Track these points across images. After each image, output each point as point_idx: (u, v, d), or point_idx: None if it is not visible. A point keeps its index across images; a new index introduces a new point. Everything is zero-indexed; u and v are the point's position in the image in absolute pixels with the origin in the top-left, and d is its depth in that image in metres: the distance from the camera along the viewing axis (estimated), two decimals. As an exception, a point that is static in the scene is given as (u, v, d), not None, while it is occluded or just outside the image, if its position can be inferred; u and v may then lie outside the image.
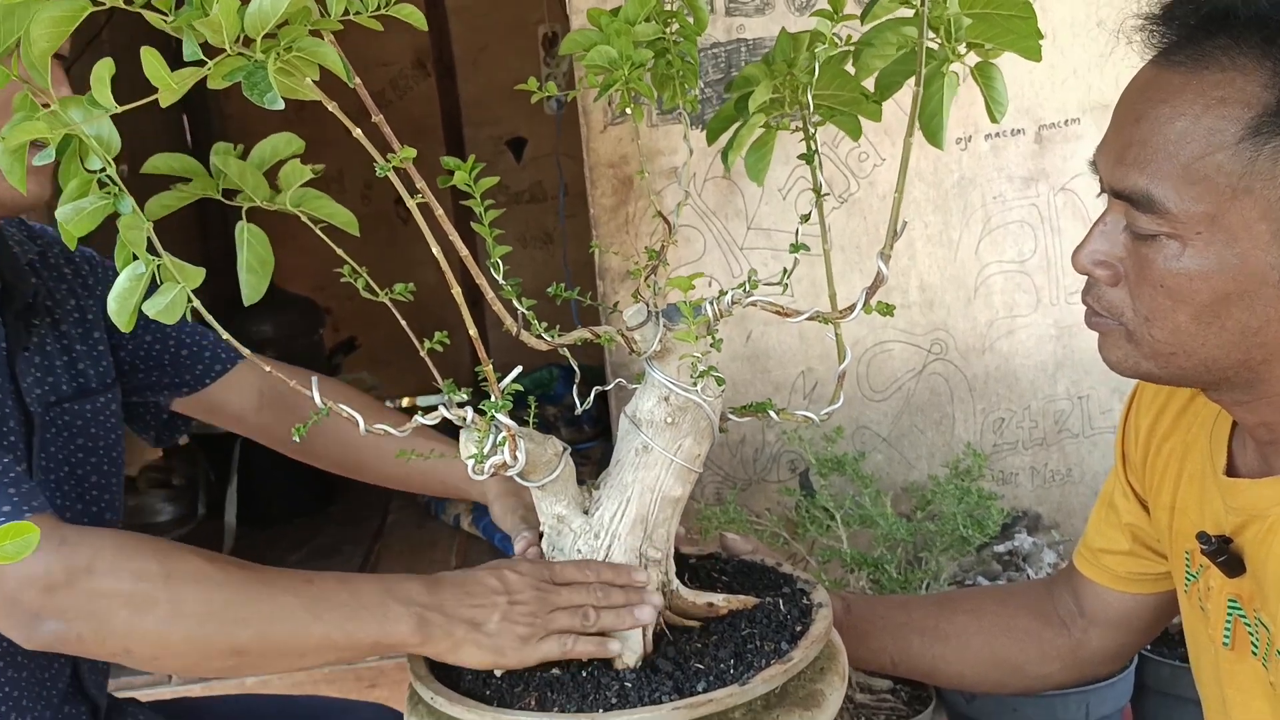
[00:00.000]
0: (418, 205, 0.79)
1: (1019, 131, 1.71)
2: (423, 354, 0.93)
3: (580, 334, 0.97)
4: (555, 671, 0.94)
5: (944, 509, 1.53)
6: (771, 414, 1.05)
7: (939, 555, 1.53)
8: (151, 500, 3.03)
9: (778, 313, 0.99)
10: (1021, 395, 1.78)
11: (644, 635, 0.96)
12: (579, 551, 0.99)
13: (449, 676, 0.98)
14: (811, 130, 1.00)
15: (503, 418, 0.85)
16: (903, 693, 1.54)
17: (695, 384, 0.98)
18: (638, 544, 0.99)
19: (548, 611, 0.93)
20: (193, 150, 0.87)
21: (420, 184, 0.80)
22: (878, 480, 1.61)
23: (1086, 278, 0.87)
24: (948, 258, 1.74)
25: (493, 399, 0.85)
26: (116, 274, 0.79)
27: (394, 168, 0.78)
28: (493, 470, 0.89)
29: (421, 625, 0.92)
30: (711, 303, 0.99)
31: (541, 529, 1.02)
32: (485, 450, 0.88)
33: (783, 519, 1.73)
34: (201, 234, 3.58)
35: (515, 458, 0.93)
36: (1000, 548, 1.58)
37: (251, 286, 0.90)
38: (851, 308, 0.98)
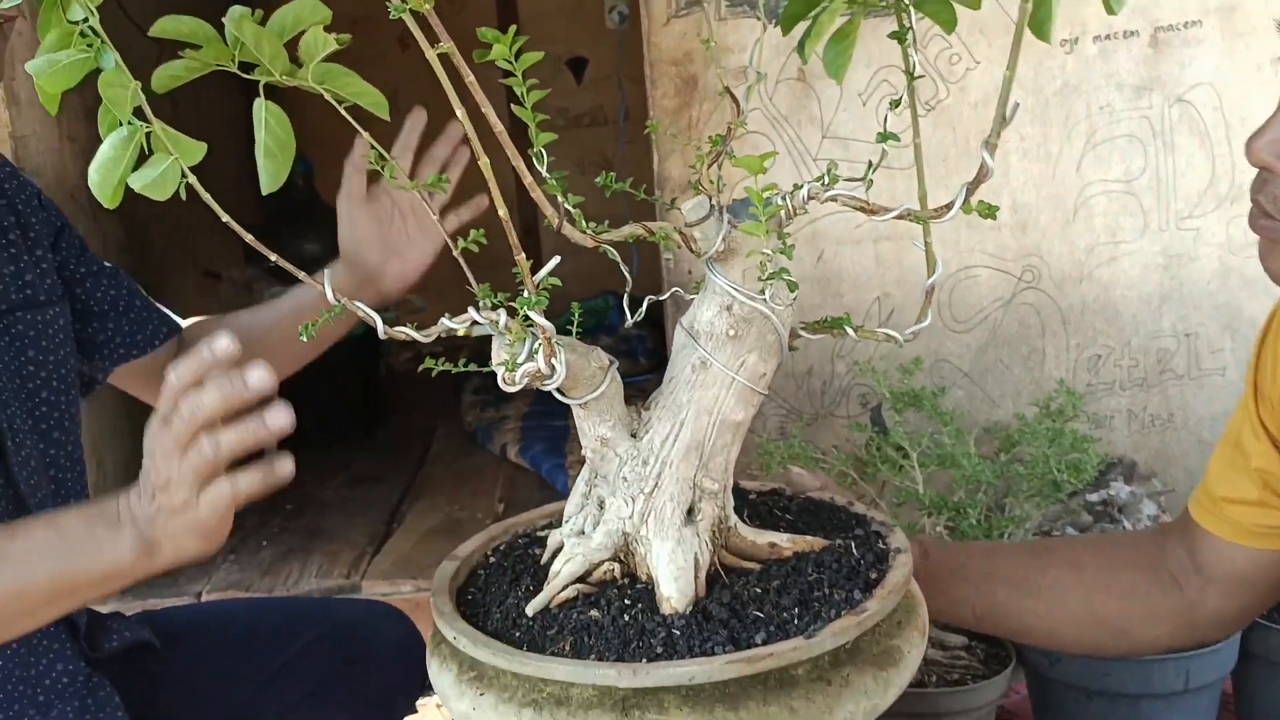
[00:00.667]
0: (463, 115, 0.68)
1: (1132, 34, 1.54)
2: (456, 254, 0.83)
3: (632, 229, 0.85)
4: (594, 614, 0.83)
5: (1033, 452, 1.40)
6: (848, 332, 0.92)
7: (1025, 502, 1.40)
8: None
9: (861, 209, 0.86)
10: (1121, 330, 1.63)
11: (695, 576, 0.86)
12: (624, 479, 0.88)
13: (475, 615, 0.88)
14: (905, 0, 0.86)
15: (538, 317, 0.74)
16: (979, 650, 1.43)
17: (762, 291, 0.86)
18: (692, 473, 0.88)
19: (181, 465, 0.84)
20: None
21: (475, 87, 0.69)
22: (958, 418, 1.48)
23: (1257, 174, 0.74)
24: (1045, 174, 1.59)
25: (526, 295, 0.73)
26: (56, 207, 0.70)
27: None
28: (525, 379, 0.78)
29: (141, 539, 0.86)
30: (785, 196, 0.86)
31: (584, 453, 0.92)
32: (519, 357, 0.77)
33: (851, 457, 1.61)
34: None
35: (552, 366, 0.82)
36: (1093, 496, 1.44)
37: (270, 173, 0.81)
38: (948, 206, 0.84)
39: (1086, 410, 1.62)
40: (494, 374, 0.85)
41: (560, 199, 0.82)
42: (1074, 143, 1.57)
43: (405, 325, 0.85)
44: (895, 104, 0.87)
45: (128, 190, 0.79)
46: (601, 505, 0.91)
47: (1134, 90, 1.56)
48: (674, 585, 0.84)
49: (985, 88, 1.56)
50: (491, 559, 0.99)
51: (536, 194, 0.79)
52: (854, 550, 0.91)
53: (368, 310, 0.82)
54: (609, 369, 0.88)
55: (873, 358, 1.61)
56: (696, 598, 0.85)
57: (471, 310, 0.82)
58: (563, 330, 0.85)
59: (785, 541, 0.92)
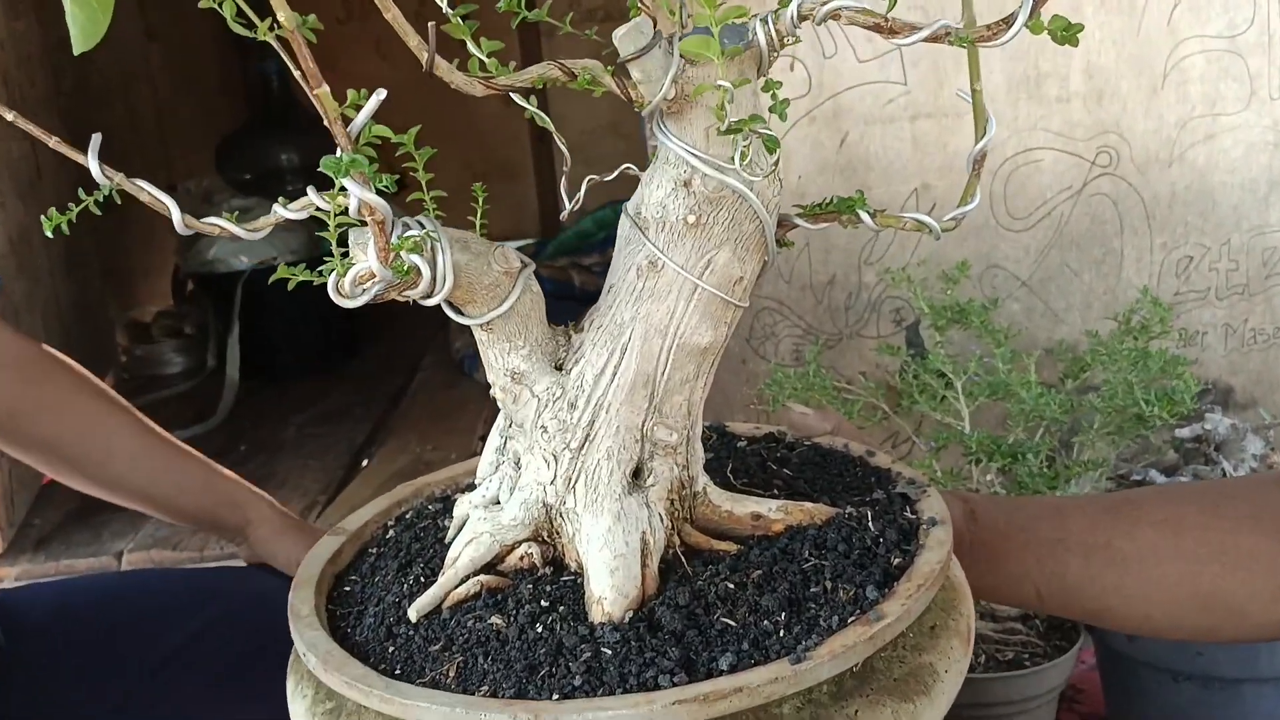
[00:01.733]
0: None
1: None
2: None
3: (543, 69, 0.61)
4: (496, 621, 0.61)
5: (1109, 378, 1.15)
6: (863, 219, 0.68)
7: (1098, 440, 1.15)
8: (162, 350, 2.82)
9: (877, 28, 0.60)
10: (1220, 225, 1.36)
11: (642, 566, 0.63)
12: (543, 430, 0.65)
13: (348, 616, 0.67)
14: None
15: (367, 195, 0.50)
16: (1038, 623, 1.20)
17: (734, 157, 0.61)
18: (638, 419, 0.65)
19: None
20: None
21: None
22: (1014, 338, 1.23)
23: None
24: (1127, 30, 1.31)
25: (340, 154, 0.49)
26: None
27: None
28: (367, 289, 0.54)
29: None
30: (765, 20, 0.61)
31: (492, 393, 0.68)
32: (383, 258, 0.53)
33: (882, 386, 1.37)
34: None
35: (435, 274, 0.58)
36: (1184, 431, 1.19)
37: (83, 28, 0.57)
38: (1005, 23, 0.59)
39: (1174, 325, 1.36)
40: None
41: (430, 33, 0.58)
42: (1165, -12, 1.29)
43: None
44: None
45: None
46: (518, 464, 0.68)
47: (1242, -82, 1.27)
48: (608, 580, 0.61)
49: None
50: (390, 532, 0.77)
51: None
52: (870, 522, 0.68)
53: (157, 193, 0.58)
54: (519, 274, 0.64)
55: (909, 264, 1.36)
56: (642, 597, 0.62)
57: (312, 193, 0.59)
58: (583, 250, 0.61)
59: (774, 511, 0.68)
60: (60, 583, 1.25)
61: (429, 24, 0.55)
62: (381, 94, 0.47)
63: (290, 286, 0.63)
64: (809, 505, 0.69)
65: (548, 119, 0.70)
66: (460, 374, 2.35)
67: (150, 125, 3.12)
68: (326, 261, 0.54)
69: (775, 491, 0.75)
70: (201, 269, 2.43)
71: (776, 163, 0.63)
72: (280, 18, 0.44)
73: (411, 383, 2.35)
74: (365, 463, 1.87)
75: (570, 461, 0.64)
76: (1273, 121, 1.33)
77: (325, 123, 0.47)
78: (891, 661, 0.59)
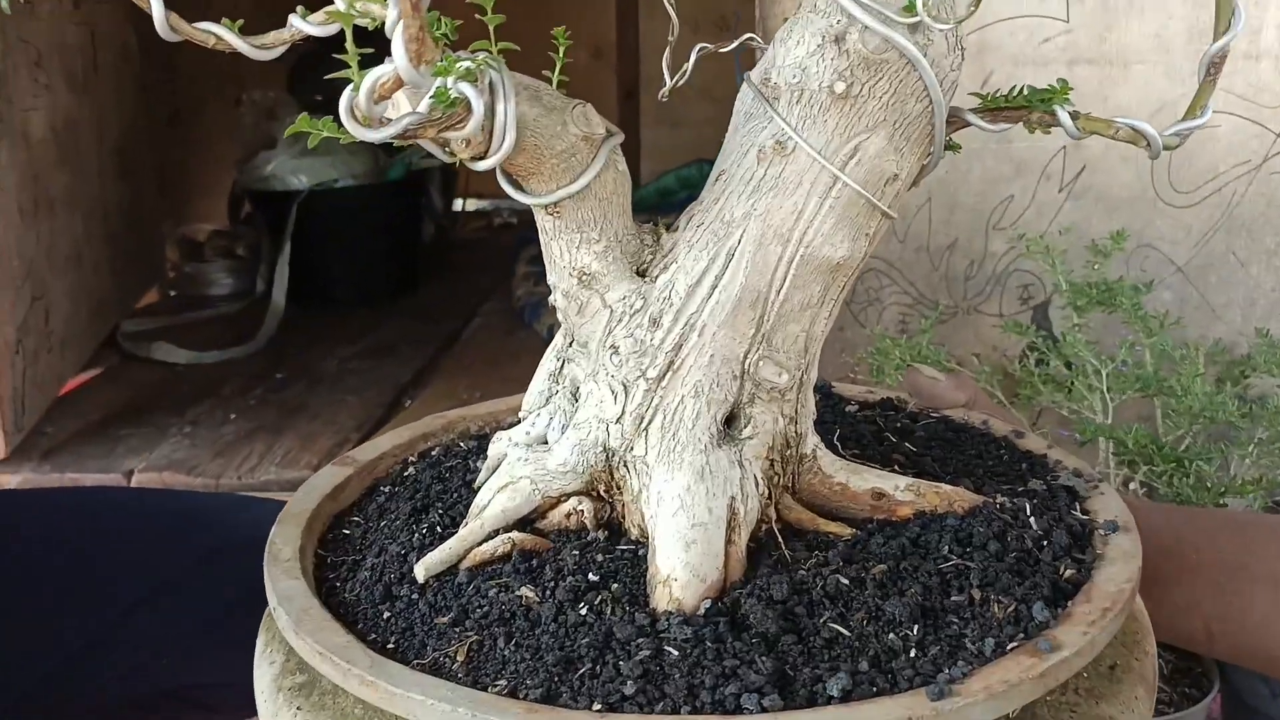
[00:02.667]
0: None
1: None
2: None
3: None
4: (528, 594, 0.46)
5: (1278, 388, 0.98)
6: (1062, 118, 0.53)
7: (1263, 455, 0.98)
8: (211, 270, 2.73)
9: None
10: None
11: (726, 543, 0.48)
12: (613, 350, 0.50)
13: (339, 567, 0.53)
14: None
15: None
16: (1162, 664, 1.02)
17: (913, 4, 0.46)
18: (741, 348, 0.50)
19: None
20: None
21: None
22: (1171, 326, 1.06)
23: None
24: (1340, -22, 1.12)
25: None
26: None
27: None
28: (416, 123, 0.40)
29: None
30: None
31: (553, 300, 0.54)
32: (414, 54, 0.38)
33: (998, 371, 1.20)
34: None
35: (482, 125, 0.44)
36: (1364, 458, 1.01)
37: None
38: None
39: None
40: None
41: None
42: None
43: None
44: None
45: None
46: (576, 396, 0.54)
47: None
48: (681, 555, 0.47)
49: None
50: (410, 469, 0.63)
51: None
52: (1030, 518, 0.52)
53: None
54: (603, 144, 0.49)
55: (1047, 232, 1.19)
56: (724, 583, 0.47)
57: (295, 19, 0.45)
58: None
59: (902, 490, 0.53)
60: (40, 492, 1.14)
61: None
62: None
63: (311, 143, 0.49)
64: (947, 488, 0.54)
65: None
66: (520, 323, 2.22)
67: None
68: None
69: (897, 469, 0.59)
70: (257, 185, 2.32)
71: (971, 13, 0.47)
72: None
73: (468, 326, 2.22)
74: (407, 403, 1.74)
75: (645, 395, 0.49)
76: None
77: None
78: (1060, 709, 0.44)
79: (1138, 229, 1.20)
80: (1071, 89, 0.52)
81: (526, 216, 0.57)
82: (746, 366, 0.50)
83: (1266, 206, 1.19)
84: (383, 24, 0.44)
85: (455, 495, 0.57)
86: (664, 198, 2.99)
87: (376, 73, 0.35)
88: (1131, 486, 0.93)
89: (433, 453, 0.66)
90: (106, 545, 0.91)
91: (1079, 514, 0.54)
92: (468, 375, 1.87)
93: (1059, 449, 0.62)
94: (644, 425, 0.50)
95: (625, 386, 0.50)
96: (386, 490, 0.61)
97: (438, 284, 2.51)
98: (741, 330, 0.50)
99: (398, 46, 0.33)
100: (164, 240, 2.67)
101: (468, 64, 0.43)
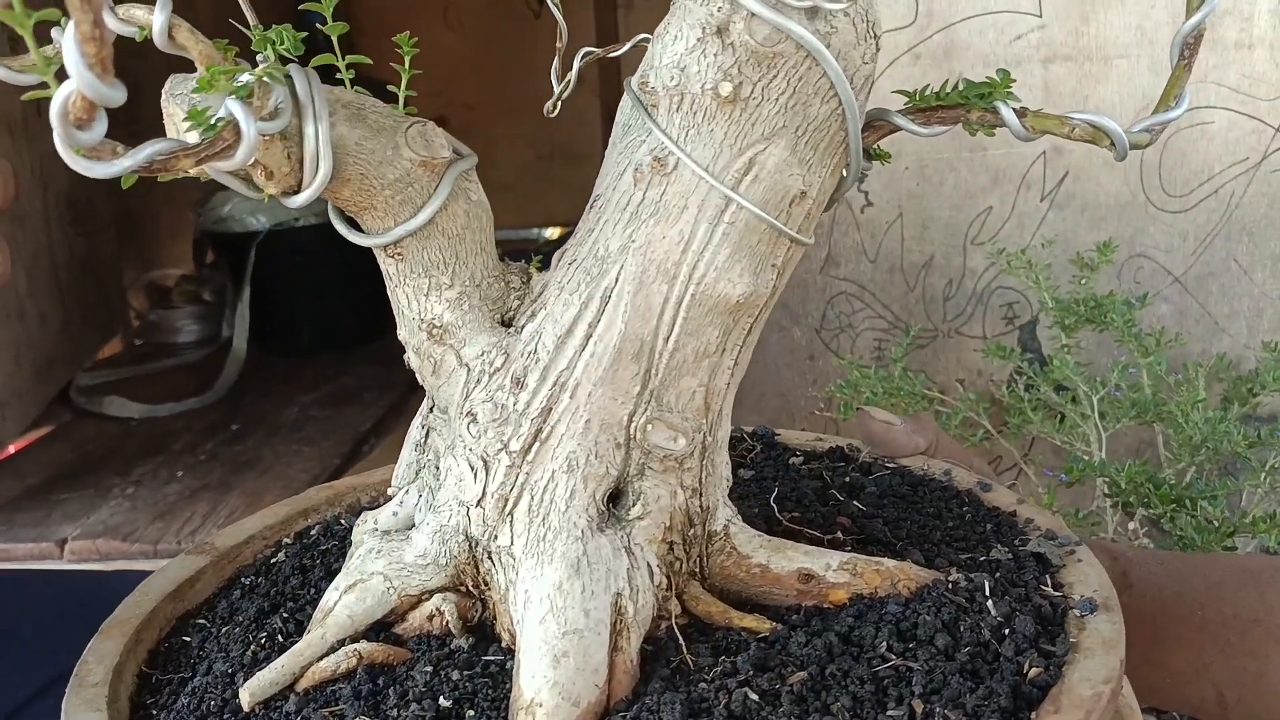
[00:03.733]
0: None
1: None
2: None
3: None
4: (362, 727, 0.38)
5: (1297, 403, 0.89)
6: (1005, 115, 0.45)
7: (1276, 488, 0.89)
8: (177, 316, 2.65)
9: None
10: None
11: (611, 653, 0.39)
12: (471, 419, 0.42)
13: (172, 684, 0.44)
14: None
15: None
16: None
17: (806, -19, 0.38)
18: (624, 410, 0.42)
19: None
20: None
21: None
22: (1169, 344, 0.97)
23: None
24: (1336, -42, 1.04)
25: None
26: None
27: None
28: (153, 156, 0.32)
29: None
30: None
31: (406, 358, 0.46)
32: (90, 53, 0.30)
33: (984, 398, 1.11)
34: None
35: (305, 151, 0.36)
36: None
37: None
38: None
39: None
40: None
41: None
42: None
43: None
44: None
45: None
46: (439, 471, 0.46)
47: None
48: (548, 674, 0.38)
49: None
50: (279, 554, 0.55)
51: None
52: (988, 599, 0.43)
53: None
54: (448, 169, 0.41)
55: (1029, 246, 1.10)
56: (607, 705, 0.39)
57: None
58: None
59: (835, 570, 0.45)
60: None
61: None
62: None
63: (125, 183, 0.41)
64: (890, 563, 0.45)
65: None
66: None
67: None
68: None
69: (840, 535, 0.51)
70: (215, 227, 2.24)
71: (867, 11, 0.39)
72: None
73: (439, 367, 2.13)
74: (366, 451, 1.66)
75: (508, 473, 0.41)
76: None
77: None
78: None
79: (1129, 238, 1.12)
80: (1014, 80, 0.44)
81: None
82: (632, 431, 0.42)
83: (1269, 207, 1.11)
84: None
85: (312, 590, 0.49)
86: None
87: (63, 91, 0.27)
88: (1131, 526, 0.84)
89: (311, 531, 0.58)
90: (31, 624, 0.84)
91: (1050, 589, 0.45)
92: (434, 419, 1.79)
93: (1031, 505, 0.54)
94: (508, 509, 0.41)
95: (485, 461, 0.41)
96: (247, 582, 0.53)
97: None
98: (623, 388, 0.41)
99: (70, 51, 0.25)
100: (126, 289, 2.60)
101: (246, 76, 0.35)
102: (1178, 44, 0.46)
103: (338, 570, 0.51)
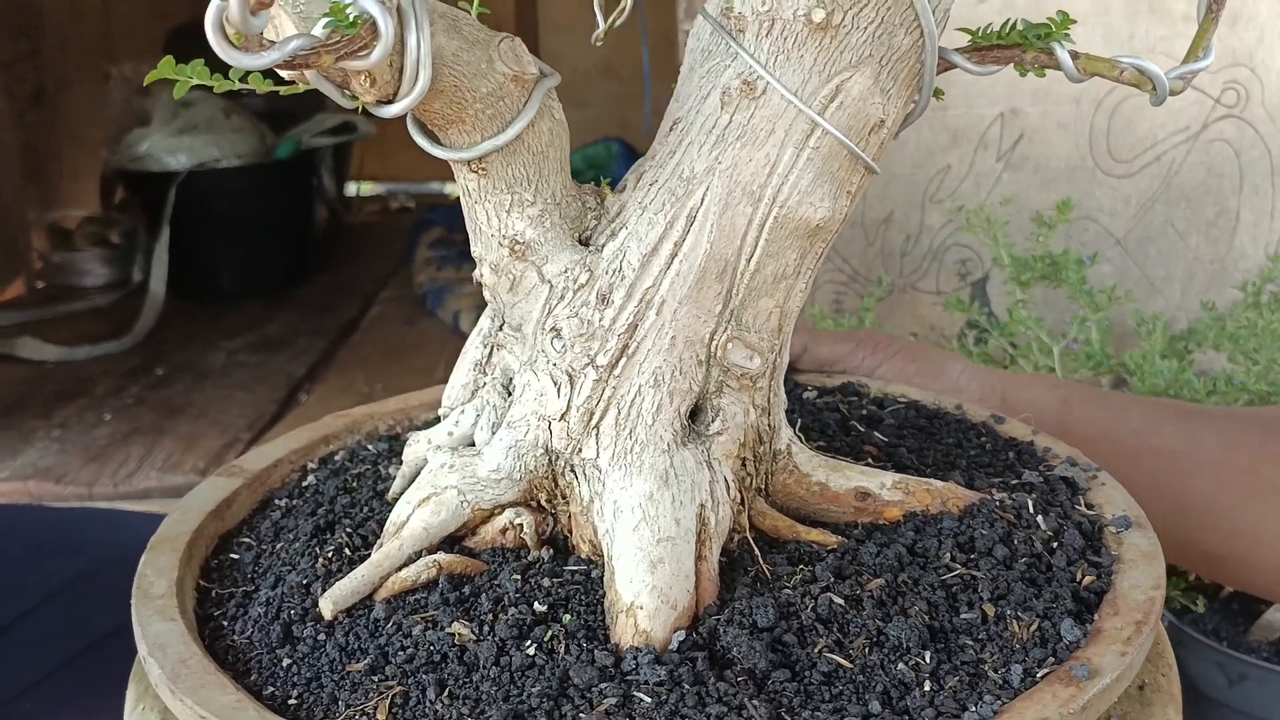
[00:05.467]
0: None
1: None
2: None
3: None
4: (459, 631, 0.39)
5: (1239, 358, 0.94)
6: (1060, 56, 0.46)
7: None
8: (83, 259, 2.56)
9: None
10: (1362, 188, 1.15)
11: (697, 560, 0.41)
12: (555, 334, 0.42)
13: (226, 601, 0.44)
14: None
15: None
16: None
17: (905, -87, 0.40)
18: (706, 328, 0.43)
19: None
20: None
21: None
22: (1118, 301, 1.02)
23: None
24: (1279, -63, 1.09)
25: None
26: None
27: None
28: (304, 46, 0.32)
29: None
30: None
31: (476, 275, 0.46)
32: (321, 29, 0.30)
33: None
34: None
35: (405, 58, 0.36)
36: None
37: None
38: None
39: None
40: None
41: None
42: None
43: None
44: None
45: None
46: (508, 389, 0.46)
47: None
48: (646, 578, 0.39)
49: None
50: (309, 478, 0.55)
51: None
52: (1035, 515, 0.46)
53: None
54: (536, 85, 0.41)
55: (986, 203, 1.14)
56: (697, 609, 0.40)
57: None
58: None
59: (889, 488, 0.47)
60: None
61: None
62: None
63: (178, 93, 0.41)
64: (938, 484, 0.47)
65: None
66: (422, 311, 2.12)
67: (93, 9, 2.85)
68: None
69: (870, 463, 0.53)
70: (131, 166, 2.17)
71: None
72: None
73: (365, 315, 2.11)
74: (302, 398, 1.63)
75: (595, 386, 0.42)
76: None
77: None
78: (1096, 743, 0.38)
79: (1077, 199, 1.17)
80: (1074, 21, 0.46)
81: (426, 200, 0.50)
82: (713, 349, 0.43)
83: (1206, 175, 1.17)
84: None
85: (365, 509, 0.49)
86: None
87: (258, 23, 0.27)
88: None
89: (335, 458, 0.58)
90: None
91: (1084, 509, 0.48)
92: (366, 367, 1.77)
93: (1045, 435, 0.57)
94: (594, 422, 0.42)
95: (570, 376, 0.42)
96: (282, 504, 0.53)
97: (331, 272, 2.39)
98: (707, 306, 0.42)
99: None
100: (29, 228, 2.50)
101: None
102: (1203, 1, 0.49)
103: (384, 491, 0.51)
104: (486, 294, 0.46)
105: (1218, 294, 1.18)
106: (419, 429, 0.56)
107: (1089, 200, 1.18)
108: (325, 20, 0.33)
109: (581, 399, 0.42)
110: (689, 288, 0.42)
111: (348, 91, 0.40)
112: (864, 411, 0.60)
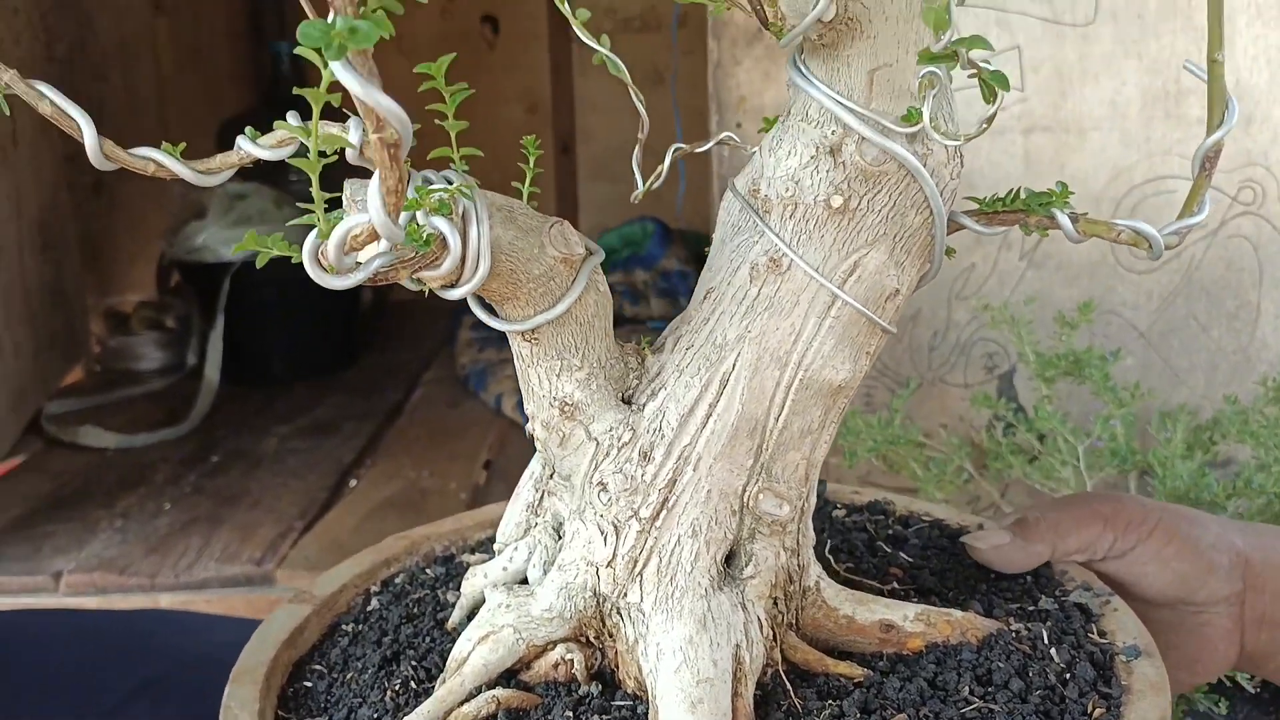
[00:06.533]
0: None
1: None
2: None
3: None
4: (518, 766, 0.42)
5: (1261, 455, 0.97)
6: (1061, 222, 0.51)
7: (1242, 530, 0.96)
8: (139, 343, 2.64)
9: None
10: (1380, 281, 1.18)
11: (734, 695, 0.44)
12: (602, 488, 0.47)
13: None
14: None
15: (386, 107, 0.33)
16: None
17: (914, 114, 0.44)
18: (739, 481, 0.47)
19: None
20: None
21: None
22: (1142, 398, 1.05)
23: None
24: (1288, 44, 1.13)
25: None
26: None
27: None
28: (387, 264, 0.37)
29: None
30: None
31: (530, 429, 0.50)
32: (392, 206, 0.35)
33: (966, 443, 1.18)
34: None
35: (466, 251, 0.41)
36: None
37: None
38: None
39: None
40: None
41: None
42: (1336, -3, 1.11)
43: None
44: None
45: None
46: (559, 531, 0.50)
47: None
48: (687, 716, 0.43)
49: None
50: (373, 602, 0.59)
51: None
52: (1050, 647, 0.49)
53: (66, 104, 0.41)
54: (583, 264, 0.46)
55: (1009, 301, 1.18)
56: (732, 745, 0.44)
57: (292, 118, 0.41)
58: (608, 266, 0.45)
59: (911, 620, 0.50)
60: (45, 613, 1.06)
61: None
62: None
63: (260, 263, 0.45)
64: (958, 614, 0.51)
65: (620, 64, 0.53)
66: (465, 392, 2.17)
67: (150, 103, 2.97)
68: (305, 214, 0.36)
69: (895, 586, 0.56)
70: (187, 257, 2.25)
71: (984, 130, 0.44)
72: None
73: (410, 398, 2.16)
74: (352, 484, 1.68)
75: (638, 537, 0.46)
76: None
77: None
78: None
79: (1099, 295, 1.20)
80: (1072, 193, 0.50)
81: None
82: (745, 500, 0.47)
83: (1225, 270, 1.20)
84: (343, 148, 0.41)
85: (428, 639, 0.53)
86: (605, 256, 2.97)
87: (348, 224, 0.32)
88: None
89: (396, 580, 0.62)
90: (32, 675, 0.85)
91: (1096, 636, 0.51)
92: (411, 452, 1.82)
93: (1064, 559, 0.60)
94: (638, 569, 0.46)
95: (616, 527, 0.46)
96: (350, 629, 0.57)
97: (377, 353, 2.45)
98: (739, 461, 0.47)
99: (374, 199, 0.30)
100: (88, 315, 2.59)
101: (440, 194, 0.40)
102: (1199, 158, 0.52)
103: (443, 620, 0.55)
104: (538, 445, 0.51)
105: (1241, 383, 1.20)
106: (473, 549, 0.60)
107: (1111, 295, 1.21)
108: (400, 232, 0.38)
109: (626, 548, 0.46)
110: (723, 445, 0.46)
111: (416, 278, 0.44)
112: (890, 532, 0.63)
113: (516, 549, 0.53)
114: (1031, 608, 0.54)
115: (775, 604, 0.48)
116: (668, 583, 0.46)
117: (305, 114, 0.46)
